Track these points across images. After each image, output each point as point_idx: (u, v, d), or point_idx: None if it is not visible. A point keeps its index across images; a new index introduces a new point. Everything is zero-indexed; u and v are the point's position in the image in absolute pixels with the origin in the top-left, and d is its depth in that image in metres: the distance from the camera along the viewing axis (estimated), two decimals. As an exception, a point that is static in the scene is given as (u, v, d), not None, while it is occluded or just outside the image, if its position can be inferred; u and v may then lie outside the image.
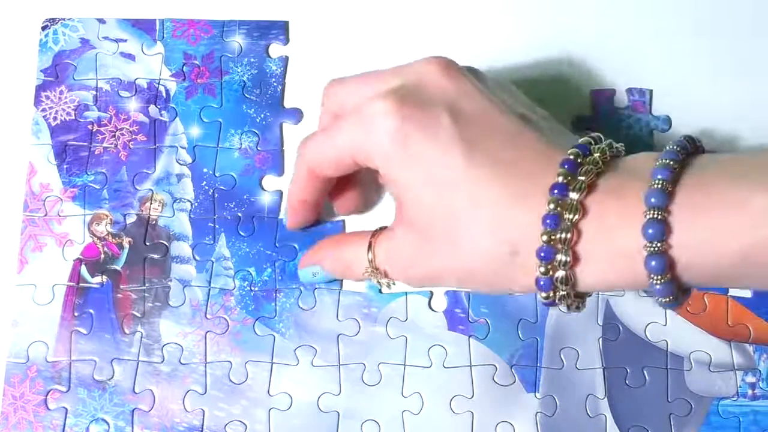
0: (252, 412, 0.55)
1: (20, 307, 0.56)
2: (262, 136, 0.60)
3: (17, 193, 0.59)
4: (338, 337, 0.56)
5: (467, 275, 0.43)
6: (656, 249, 0.36)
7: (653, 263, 0.37)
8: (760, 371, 0.55)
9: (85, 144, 0.60)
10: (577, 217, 0.38)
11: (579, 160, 0.40)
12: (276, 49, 0.61)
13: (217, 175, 0.59)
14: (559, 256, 0.39)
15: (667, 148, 0.39)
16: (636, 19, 0.62)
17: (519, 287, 0.42)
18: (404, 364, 0.56)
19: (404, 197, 0.43)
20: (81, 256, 0.58)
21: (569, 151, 0.40)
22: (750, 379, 0.55)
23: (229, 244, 0.58)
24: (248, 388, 0.55)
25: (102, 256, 0.58)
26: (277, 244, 0.58)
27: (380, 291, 0.54)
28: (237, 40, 0.62)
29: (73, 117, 0.60)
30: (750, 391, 0.55)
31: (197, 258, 0.58)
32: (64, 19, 0.62)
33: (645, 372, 0.55)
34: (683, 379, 0.55)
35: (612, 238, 0.38)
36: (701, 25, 0.61)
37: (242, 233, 0.58)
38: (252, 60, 0.61)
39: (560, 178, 0.39)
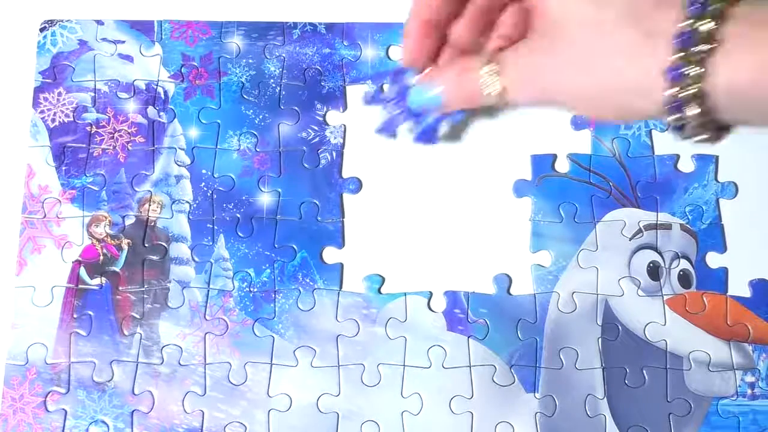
0: (251, 413, 0.55)
1: (19, 309, 0.56)
2: (261, 137, 0.60)
3: (16, 195, 0.59)
4: (337, 337, 0.56)
5: (593, 63, 0.41)
6: None
7: None
8: (759, 371, 0.55)
9: (84, 146, 0.60)
10: (723, 3, 0.37)
11: None
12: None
13: (215, 176, 0.59)
14: (698, 46, 0.36)
15: None
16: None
17: (645, 82, 0.39)
18: (403, 365, 0.56)
19: (549, 3, 0.42)
20: (80, 258, 0.58)
21: None
22: (749, 378, 0.55)
23: (228, 245, 0.58)
24: (248, 389, 0.55)
25: (101, 257, 0.58)
26: (276, 245, 0.58)
27: (496, 102, 0.45)
28: (235, 42, 0.62)
29: (72, 119, 0.60)
30: (749, 391, 0.55)
31: (196, 259, 0.58)
32: (62, 21, 0.62)
33: (644, 372, 0.55)
34: (682, 379, 0.55)
35: (760, 28, 0.36)
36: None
37: (241, 234, 0.58)
38: (250, 61, 0.61)
39: None
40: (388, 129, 0.46)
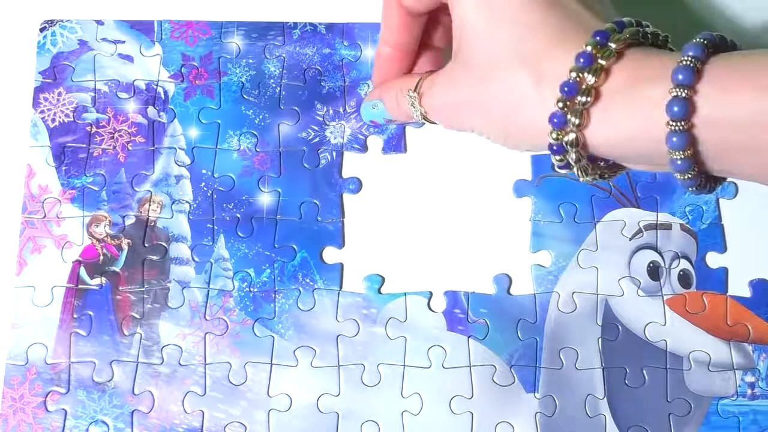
0: (251, 413, 0.55)
1: (19, 309, 0.56)
2: (261, 138, 0.60)
3: (16, 195, 0.59)
4: (337, 337, 0.56)
5: (485, 104, 0.43)
6: (681, 93, 0.36)
7: (675, 108, 0.36)
8: (759, 371, 0.55)
9: (84, 146, 0.60)
10: (609, 61, 0.39)
11: (628, 26, 0.41)
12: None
13: (215, 176, 0.59)
14: (580, 96, 0.39)
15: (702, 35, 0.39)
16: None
17: (531, 123, 0.42)
18: (404, 365, 0.56)
19: (458, 23, 0.44)
20: (80, 258, 0.58)
21: (625, 18, 0.41)
22: (749, 378, 0.55)
23: (228, 245, 0.58)
24: (248, 390, 0.55)
25: (101, 257, 0.58)
26: (276, 245, 0.58)
27: (421, 120, 0.50)
28: (235, 42, 0.62)
29: (72, 119, 0.60)
30: (749, 391, 0.55)
31: (196, 259, 0.58)
32: (62, 21, 0.62)
33: (644, 372, 0.55)
34: (683, 379, 0.55)
35: (640, 86, 0.38)
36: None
37: (241, 234, 0.58)
38: (250, 61, 0.61)
39: (606, 28, 0.40)
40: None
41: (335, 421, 0.54)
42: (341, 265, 0.58)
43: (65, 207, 0.59)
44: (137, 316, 0.56)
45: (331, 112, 0.60)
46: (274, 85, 0.61)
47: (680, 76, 0.37)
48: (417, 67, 0.52)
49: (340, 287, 0.57)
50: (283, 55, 0.62)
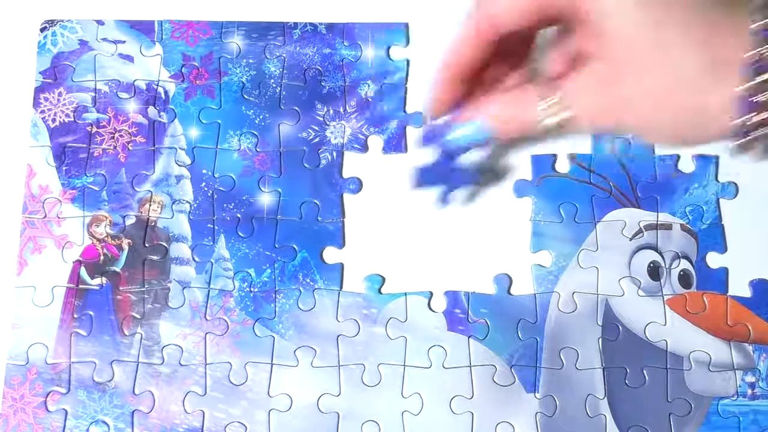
0: (252, 413, 0.55)
1: (20, 309, 0.56)
2: (261, 138, 0.60)
3: (16, 195, 0.59)
4: (338, 337, 0.56)
5: (661, 97, 0.41)
6: None
7: None
8: (759, 371, 0.55)
9: (84, 146, 0.60)
10: None
11: None
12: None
13: (216, 176, 0.59)
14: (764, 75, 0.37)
15: None
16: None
17: (711, 114, 0.40)
18: (404, 365, 0.56)
19: (613, 27, 0.41)
20: (80, 258, 0.58)
21: None
22: (750, 378, 0.55)
23: (228, 245, 0.58)
24: (248, 389, 0.55)
25: (101, 257, 0.58)
26: (276, 245, 0.58)
27: (553, 130, 0.45)
28: (236, 42, 0.62)
29: (72, 119, 0.60)
30: (749, 391, 0.55)
31: (196, 259, 0.58)
32: (62, 21, 0.62)
33: (645, 372, 0.55)
34: (683, 379, 0.55)
35: None
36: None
37: (241, 234, 0.58)
38: (251, 61, 0.61)
39: None
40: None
41: (335, 421, 0.54)
42: (341, 265, 0.58)
43: (66, 207, 0.59)
44: (138, 316, 0.56)
45: (331, 112, 0.60)
46: (274, 85, 0.61)
47: None
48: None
49: (341, 287, 0.57)
50: (284, 55, 0.62)
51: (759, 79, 0.38)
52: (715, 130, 0.40)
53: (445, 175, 0.47)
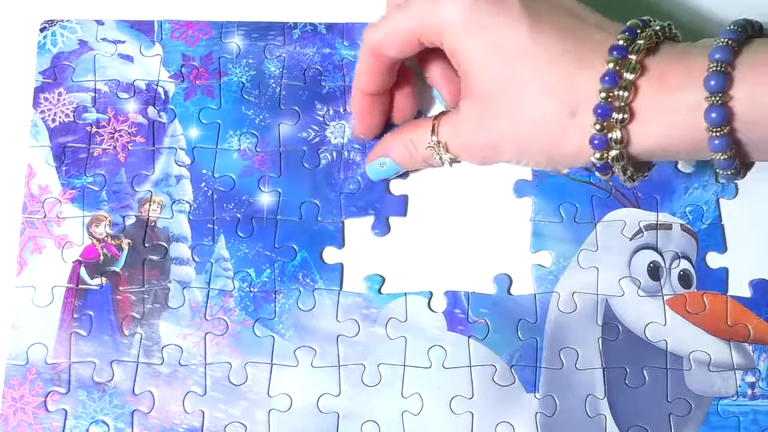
0: (252, 414, 0.55)
1: (20, 309, 0.56)
2: (261, 138, 0.60)
3: (16, 195, 0.59)
4: (338, 337, 0.56)
5: (525, 140, 0.44)
6: (717, 101, 0.37)
7: (713, 115, 0.37)
8: (759, 371, 0.55)
9: (84, 146, 0.60)
10: (635, 75, 0.40)
11: (638, 30, 0.42)
12: None
13: (216, 176, 0.59)
14: (615, 114, 0.40)
15: (729, 26, 0.40)
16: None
17: (574, 150, 0.43)
18: (404, 365, 0.56)
19: (470, 67, 0.45)
20: (80, 258, 0.58)
21: (629, 23, 0.42)
22: (749, 378, 0.55)
23: (228, 245, 0.58)
24: (248, 390, 0.55)
25: (101, 257, 0.58)
26: (276, 245, 0.58)
27: (449, 164, 0.52)
28: (235, 42, 0.62)
29: (72, 119, 0.60)
30: (749, 391, 0.55)
31: (196, 259, 0.58)
32: (62, 21, 0.62)
33: (645, 372, 0.55)
34: (683, 379, 0.55)
35: (671, 94, 0.40)
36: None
37: (241, 234, 0.58)
38: (250, 61, 0.61)
39: (620, 41, 0.41)
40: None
41: (335, 421, 0.54)
42: (341, 265, 0.58)
43: (65, 207, 0.59)
44: (137, 316, 0.56)
45: (331, 112, 0.60)
46: (274, 85, 0.61)
47: (712, 83, 0.37)
48: (396, 104, 0.55)
49: (341, 287, 0.57)
50: (284, 55, 0.62)
51: (614, 116, 0.41)
52: (578, 161, 0.44)
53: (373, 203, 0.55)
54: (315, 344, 0.56)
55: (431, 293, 0.57)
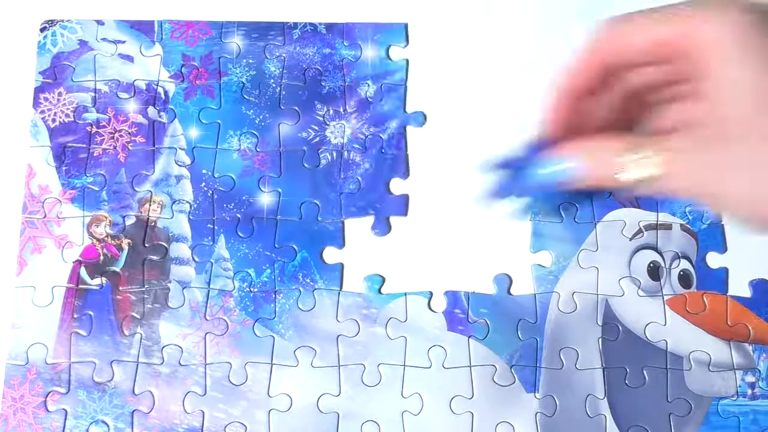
0: (252, 413, 0.55)
1: (20, 309, 0.56)
2: (261, 137, 0.60)
3: (16, 195, 0.59)
4: (338, 338, 0.56)
5: (764, 191, 0.39)
6: None
7: None
8: (759, 371, 0.55)
9: (84, 146, 0.60)
10: None
11: None
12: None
13: (216, 176, 0.59)
14: None
15: None
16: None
17: None
18: (404, 365, 0.56)
19: (724, 91, 0.40)
20: (80, 258, 0.58)
21: None
22: (749, 378, 0.55)
23: (228, 245, 0.58)
24: (248, 390, 0.55)
25: (101, 257, 0.58)
26: (276, 245, 0.58)
27: (648, 174, 0.43)
28: (235, 42, 0.62)
29: (72, 119, 0.60)
30: (749, 391, 0.55)
31: (196, 259, 0.58)
32: (62, 21, 0.62)
33: (645, 372, 0.55)
34: (683, 379, 0.55)
35: None
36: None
37: (241, 234, 0.58)
38: (251, 61, 0.61)
39: None
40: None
41: (335, 421, 0.54)
42: (341, 265, 0.58)
43: (65, 207, 0.59)
44: (137, 316, 0.56)
45: (331, 112, 0.60)
46: (274, 85, 0.61)
47: None
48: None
49: (341, 287, 0.57)
50: (284, 55, 0.62)
51: None
52: None
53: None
54: (315, 344, 0.56)
55: (431, 293, 0.57)
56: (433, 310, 0.57)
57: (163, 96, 0.61)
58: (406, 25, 0.62)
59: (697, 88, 0.42)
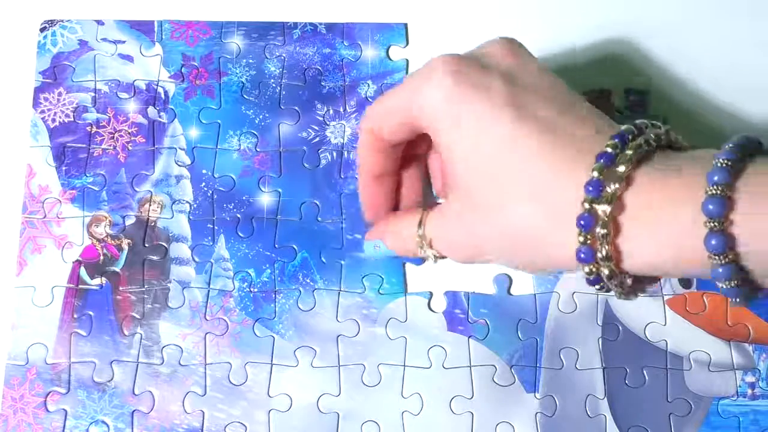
0: (252, 414, 0.55)
1: (19, 309, 0.56)
2: (261, 137, 0.60)
3: (16, 195, 0.59)
4: (338, 338, 0.56)
5: (508, 243, 0.41)
6: (716, 227, 0.34)
7: (713, 242, 0.34)
8: (759, 371, 0.55)
9: (84, 146, 0.60)
10: (619, 187, 0.36)
11: (630, 137, 0.38)
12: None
13: (216, 176, 0.59)
14: (599, 229, 0.37)
15: (727, 145, 0.37)
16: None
17: (560, 261, 0.40)
18: (404, 365, 0.56)
19: (453, 156, 0.42)
20: (80, 258, 0.58)
21: (623, 127, 0.39)
22: (749, 378, 0.55)
23: (228, 245, 0.58)
24: (248, 390, 0.55)
25: (101, 257, 0.58)
26: (276, 245, 0.58)
27: (433, 260, 0.48)
28: (235, 42, 0.62)
29: (72, 119, 0.60)
30: (749, 391, 0.55)
31: (196, 259, 0.58)
32: (62, 21, 0.62)
33: (645, 372, 0.55)
34: (683, 379, 0.55)
35: (662, 213, 0.36)
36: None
37: (241, 234, 0.58)
38: (250, 61, 0.61)
39: (608, 148, 0.37)
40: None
41: (335, 422, 0.54)
42: (341, 265, 0.58)
43: (65, 207, 0.59)
44: (137, 316, 0.56)
45: (331, 112, 0.60)
46: (274, 85, 0.61)
47: (711, 207, 0.34)
48: (403, 189, 0.50)
49: (341, 287, 0.57)
50: (284, 55, 0.62)
51: (598, 231, 0.37)
52: (565, 267, 0.40)
53: None
54: (315, 344, 0.56)
55: (431, 293, 0.57)
56: (433, 310, 0.57)
57: (163, 96, 0.61)
58: (406, 25, 0.62)
59: (443, 159, 0.43)
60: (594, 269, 0.38)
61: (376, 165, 0.48)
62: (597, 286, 0.39)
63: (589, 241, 0.37)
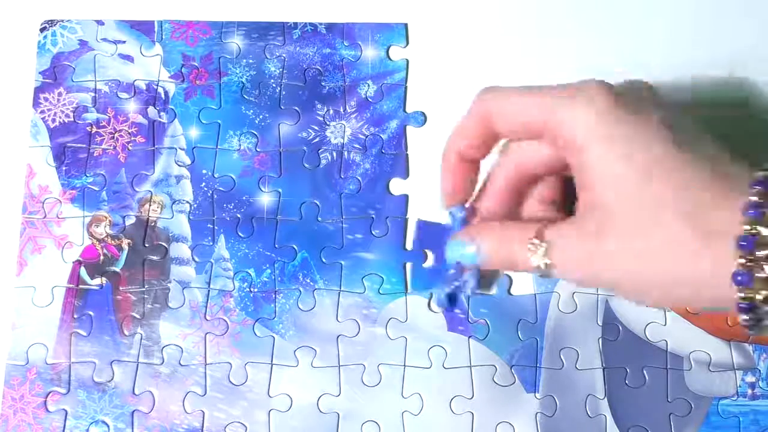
0: (252, 414, 0.55)
1: (20, 309, 0.56)
2: (261, 137, 0.60)
3: (16, 195, 0.59)
4: (338, 338, 0.56)
5: (644, 260, 0.40)
6: None
7: None
8: (759, 371, 0.55)
9: (84, 146, 0.60)
10: None
11: None
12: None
13: (216, 176, 0.59)
14: (760, 251, 0.36)
15: None
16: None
17: (707, 281, 0.39)
18: (404, 365, 0.56)
19: (600, 177, 0.41)
20: (80, 258, 0.58)
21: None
22: (750, 378, 0.55)
23: (228, 245, 0.58)
24: (248, 390, 0.55)
25: (101, 257, 0.58)
26: (276, 245, 0.58)
27: (542, 268, 0.44)
28: (235, 42, 0.62)
29: (72, 119, 0.60)
30: (750, 391, 0.55)
31: (196, 259, 0.58)
32: (62, 21, 0.62)
33: (645, 372, 0.55)
34: (683, 379, 0.55)
35: None
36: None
37: (241, 234, 0.58)
38: (251, 61, 0.61)
39: (761, 176, 0.38)
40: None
41: (335, 421, 0.54)
42: (341, 265, 0.58)
43: (65, 207, 0.59)
44: (138, 317, 0.56)
45: (331, 112, 0.60)
46: (274, 85, 0.61)
47: None
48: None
49: (341, 287, 0.57)
50: (284, 55, 0.62)
51: (759, 253, 0.37)
52: (708, 298, 0.39)
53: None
54: (315, 344, 0.56)
55: (431, 293, 0.57)
56: (433, 311, 0.57)
57: (163, 96, 0.61)
58: (406, 25, 0.62)
59: (579, 178, 0.42)
60: (750, 293, 0.37)
61: (472, 143, 0.46)
62: (746, 316, 0.38)
63: (749, 264, 0.37)
